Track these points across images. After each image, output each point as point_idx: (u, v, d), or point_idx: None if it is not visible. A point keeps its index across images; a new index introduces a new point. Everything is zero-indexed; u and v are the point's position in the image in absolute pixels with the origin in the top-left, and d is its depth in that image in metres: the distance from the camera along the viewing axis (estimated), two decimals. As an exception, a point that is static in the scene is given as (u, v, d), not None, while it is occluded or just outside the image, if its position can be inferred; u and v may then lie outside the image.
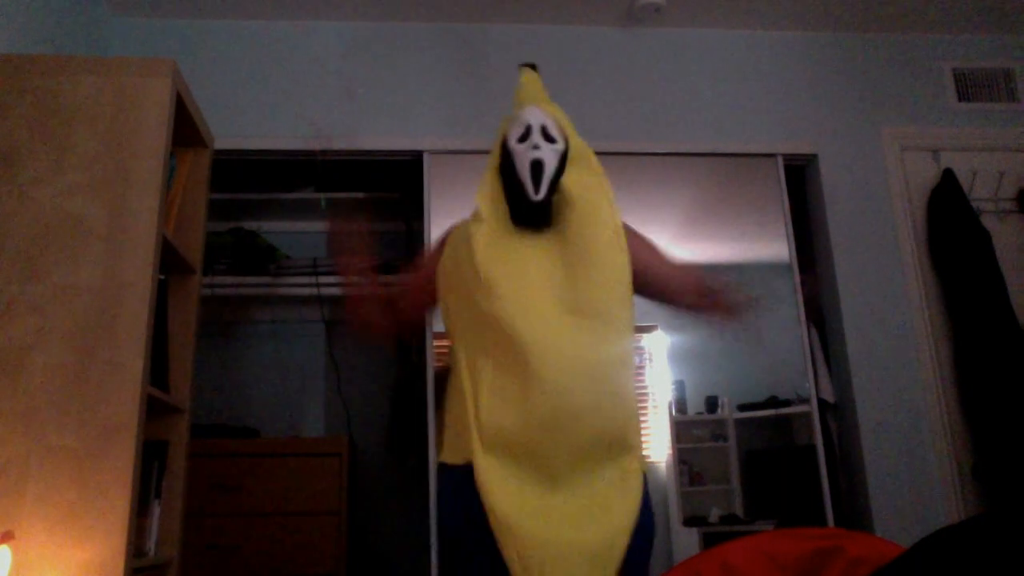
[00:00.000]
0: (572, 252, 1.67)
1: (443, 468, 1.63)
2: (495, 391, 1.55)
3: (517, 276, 1.62)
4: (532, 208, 1.69)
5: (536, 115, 1.74)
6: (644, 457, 1.65)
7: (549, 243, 1.69)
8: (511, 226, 1.70)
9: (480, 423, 1.53)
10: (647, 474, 1.64)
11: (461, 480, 1.54)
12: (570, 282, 1.62)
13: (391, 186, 3.34)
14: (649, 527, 1.62)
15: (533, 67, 1.93)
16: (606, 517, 1.52)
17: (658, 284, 1.83)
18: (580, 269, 1.64)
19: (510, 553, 1.44)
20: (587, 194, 1.73)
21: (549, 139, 1.72)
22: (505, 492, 1.50)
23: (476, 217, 1.74)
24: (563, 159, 1.74)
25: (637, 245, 1.79)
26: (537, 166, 1.68)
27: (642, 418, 3.05)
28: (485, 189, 1.77)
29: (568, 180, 1.73)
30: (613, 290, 1.66)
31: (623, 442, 1.60)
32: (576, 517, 1.51)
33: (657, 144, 3.18)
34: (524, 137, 1.72)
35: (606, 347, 1.62)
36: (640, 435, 1.67)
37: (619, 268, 1.68)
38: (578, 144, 1.81)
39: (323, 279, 3.16)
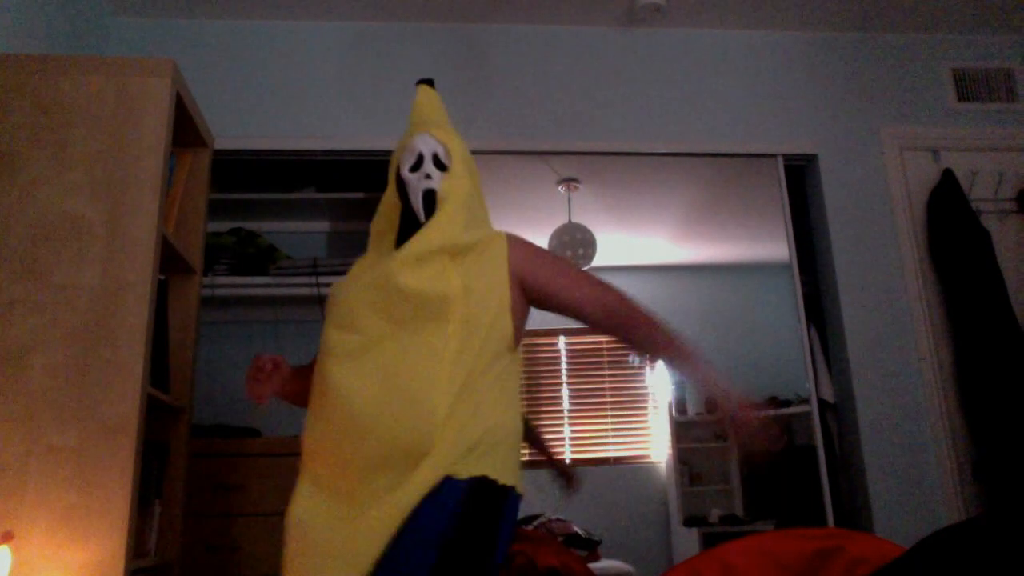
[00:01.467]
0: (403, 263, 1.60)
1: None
2: (312, 408, 1.56)
3: (352, 291, 1.62)
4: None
5: (427, 143, 1.70)
6: (467, 461, 1.47)
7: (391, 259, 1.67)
8: (388, 247, 1.72)
9: (304, 438, 1.56)
10: (502, 487, 1.49)
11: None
12: (396, 290, 1.54)
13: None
14: (438, 527, 1.42)
15: (430, 83, 1.86)
16: (381, 509, 1.44)
17: (564, 309, 1.66)
18: (405, 266, 1.56)
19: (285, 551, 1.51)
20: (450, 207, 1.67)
21: (440, 167, 1.69)
22: (302, 501, 1.52)
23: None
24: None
25: (524, 262, 1.63)
26: (429, 196, 1.65)
27: (642, 418, 3.06)
28: (378, 220, 1.77)
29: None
30: (451, 285, 1.54)
31: (424, 453, 1.46)
32: (357, 516, 1.45)
33: (657, 144, 3.18)
34: (416, 166, 1.69)
35: (414, 353, 1.50)
36: (467, 442, 1.48)
37: (420, 275, 1.56)
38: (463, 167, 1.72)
39: (323, 279, 3.16)
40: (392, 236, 1.73)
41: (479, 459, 1.48)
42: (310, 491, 1.52)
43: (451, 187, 1.67)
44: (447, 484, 1.45)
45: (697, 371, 1.65)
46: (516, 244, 1.66)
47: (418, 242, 1.58)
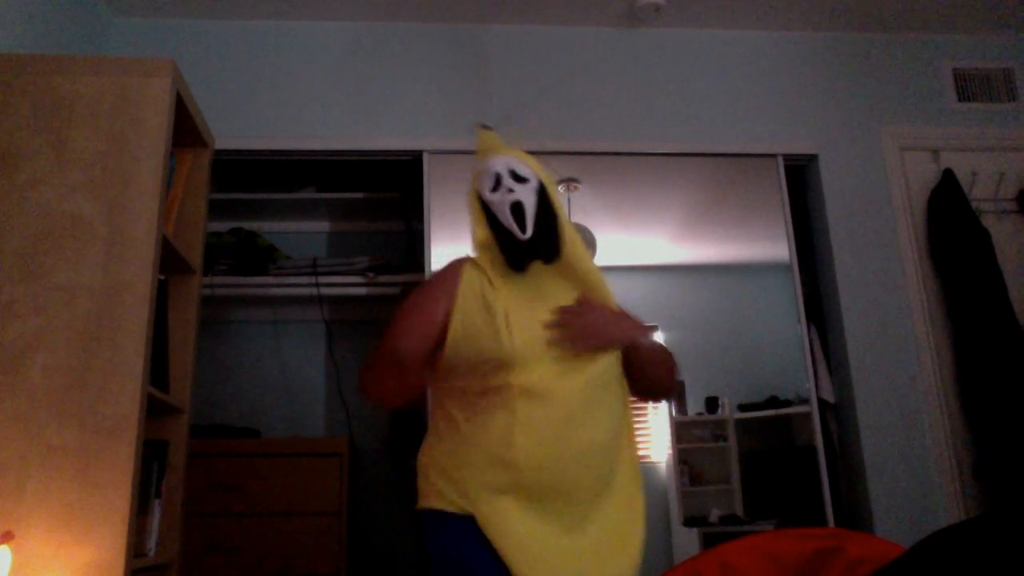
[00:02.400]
0: (576, 282, 1.73)
1: (441, 515, 1.62)
2: (529, 430, 1.58)
3: (531, 318, 1.66)
4: (524, 247, 1.69)
5: (500, 162, 1.73)
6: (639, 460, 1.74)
7: (554, 280, 1.73)
8: (511, 272, 1.72)
9: (518, 465, 1.56)
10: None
11: (464, 529, 1.58)
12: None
13: (391, 186, 3.35)
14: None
15: (488, 128, 1.92)
16: (625, 548, 1.61)
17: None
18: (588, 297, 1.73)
19: None
20: (577, 239, 1.78)
21: (520, 180, 1.71)
22: (526, 533, 1.55)
23: (479, 268, 1.75)
24: (542, 194, 1.73)
25: None
26: (517, 208, 1.68)
27: (642, 418, 3.06)
28: (479, 248, 1.77)
29: (565, 224, 1.76)
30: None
31: (633, 477, 1.70)
32: (598, 552, 1.58)
33: (657, 144, 3.18)
34: (496, 187, 1.72)
35: (607, 377, 1.69)
36: (640, 472, 1.74)
37: (609, 295, 1.77)
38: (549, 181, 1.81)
39: (323, 279, 3.16)
40: (499, 256, 1.73)
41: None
42: (521, 518, 1.57)
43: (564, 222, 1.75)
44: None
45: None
46: None
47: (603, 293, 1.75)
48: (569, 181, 3.17)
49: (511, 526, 1.55)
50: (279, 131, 3.08)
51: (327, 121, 3.11)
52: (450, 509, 1.61)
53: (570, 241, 1.74)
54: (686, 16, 3.27)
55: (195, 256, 2.26)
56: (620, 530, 1.63)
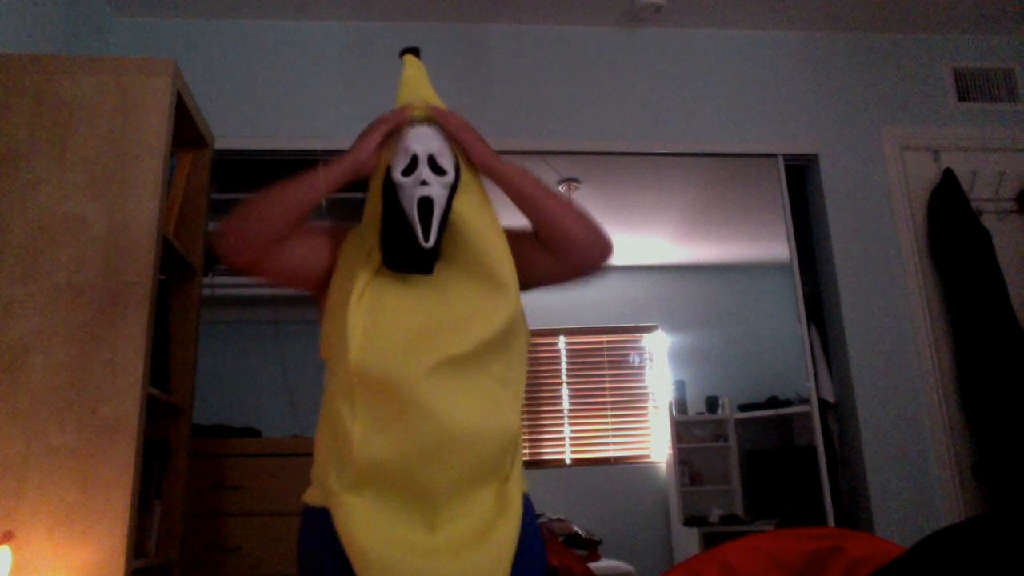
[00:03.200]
0: (466, 278, 1.52)
1: (306, 510, 1.48)
2: (370, 424, 1.41)
3: (398, 303, 1.49)
4: (419, 255, 1.48)
5: (423, 140, 1.52)
6: (522, 479, 1.50)
7: (445, 268, 1.53)
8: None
9: (353, 458, 1.40)
10: (528, 495, 1.51)
11: (323, 524, 1.42)
12: (462, 307, 1.49)
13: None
14: (539, 551, 1.50)
15: (416, 52, 1.67)
16: (487, 544, 1.40)
17: (534, 256, 1.60)
18: (474, 295, 1.50)
19: None
20: (475, 221, 1.54)
21: (438, 171, 1.50)
22: (375, 530, 1.38)
23: (359, 243, 1.56)
24: (453, 190, 1.51)
25: (514, 241, 1.58)
26: (426, 204, 1.46)
27: (642, 418, 3.06)
28: (369, 222, 1.57)
29: (458, 205, 1.54)
30: (496, 317, 1.48)
31: (500, 468, 1.46)
32: (454, 548, 1.39)
33: (657, 144, 3.18)
34: (409, 170, 1.50)
35: (488, 374, 1.48)
36: (519, 460, 1.52)
37: (515, 292, 1.52)
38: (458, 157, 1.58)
39: (323, 279, 3.15)
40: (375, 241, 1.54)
41: (522, 471, 1.52)
42: (371, 510, 1.39)
43: (473, 210, 1.52)
44: (526, 503, 1.48)
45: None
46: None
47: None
48: (569, 181, 3.17)
49: (356, 527, 1.37)
50: (279, 131, 3.08)
51: (327, 121, 3.11)
52: (313, 502, 1.46)
53: (467, 230, 1.51)
54: (686, 16, 3.27)
55: (195, 256, 2.26)
56: (484, 527, 1.42)
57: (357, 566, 1.33)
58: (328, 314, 1.59)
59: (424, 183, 1.48)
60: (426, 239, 1.46)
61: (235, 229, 1.54)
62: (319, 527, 1.42)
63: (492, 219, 1.56)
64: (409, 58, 1.68)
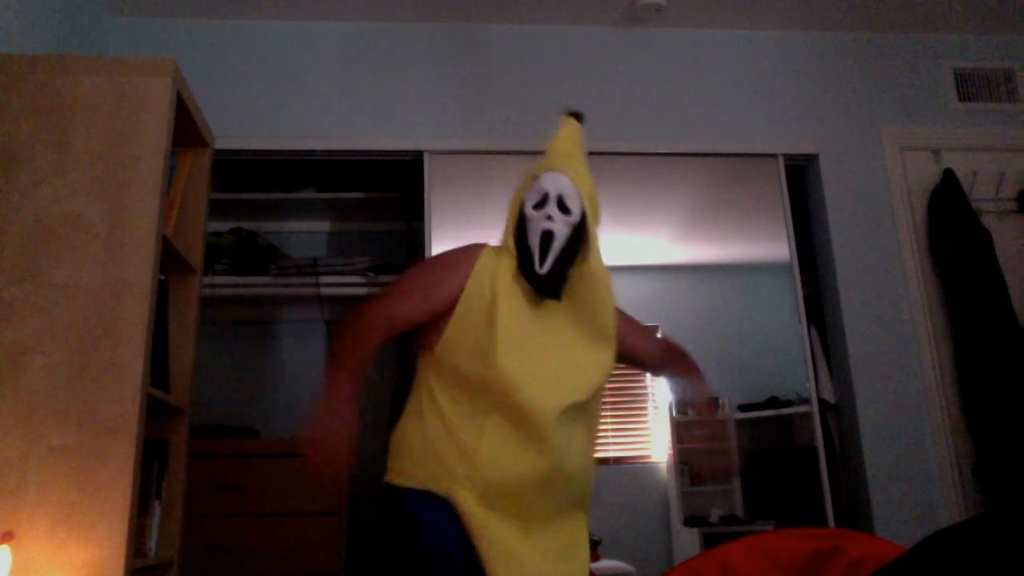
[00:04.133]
0: (584, 328, 1.73)
1: (427, 494, 1.65)
2: (497, 446, 1.61)
3: (535, 340, 1.67)
4: (537, 280, 1.69)
5: (556, 183, 1.72)
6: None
7: (564, 314, 1.73)
8: (529, 290, 1.72)
9: (478, 472, 1.60)
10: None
11: (442, 507, 1.61)
12: (579, 356, 1.71)
13: (391, 186, 3.34)
14: None
15: (579, 117, 1.91)
16: (578, 555, 1.67)
17: (639, 360, 1.96)
18: (589, 345, 1.73)
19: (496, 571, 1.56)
20: (600, 274, 1.78)
21: (564, 210, 1.70)
22: (497, 525, 1.59)
23: (498, 257, 1.75)
24: (577, 231, 1.72)
25: (625, 328, 1.90)
26: (547, 237, 1.67)
27: (642, 418, 3.06)
28: (504, 249, 1.77)
29: (592, 260, 1.76)
30: (605, 369, 1.75)
31: (584, 501, 1.75)
32: (559, 552, 1.63)
33: (657, 144, 3.18)
34: (540, 204, 1.71)
35: (590, 418, 1.74)
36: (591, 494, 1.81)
37: (611, 353, 1.79)
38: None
39: (323, 279, 3.16)
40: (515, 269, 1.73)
41: None
42: (486, 509, 1.60)
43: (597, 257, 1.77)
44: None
45: (697, 381, 1.97)
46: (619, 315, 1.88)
47: (606, 325, 1.76)
48: (569, 181, 3.17)
49: (483, 517, 1.58)
50: (279, 131, 3.08)
51: (327, 121, 3.11)
52: (434, 489, 1.63)
53: (592, 282, 1.74)
54: (686, 16, 3.27)
55: (195, 256, 2.26)
56: (573, 541, 1.69)
57: (486, 552, 1.55)
58: (460, 320, 1.71)
59: (549, 218, 1.69)
60: (541, 266, 1.67)
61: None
62: (437, 506, 1.61)
63: (607, 278, 1.80)
64: (568, 120, 1.92)
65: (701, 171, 3.21)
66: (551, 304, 1.72)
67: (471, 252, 1.76)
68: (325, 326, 3.38)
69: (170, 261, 2.13)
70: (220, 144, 2.94)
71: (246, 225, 3.36)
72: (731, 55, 3.35)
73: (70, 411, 1.71)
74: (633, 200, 3.19)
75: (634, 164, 3.18)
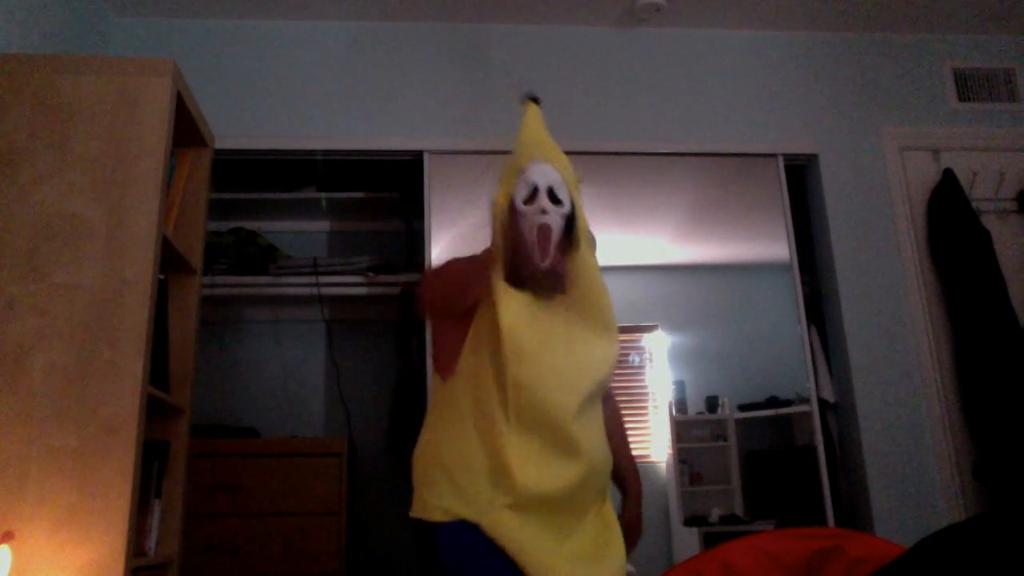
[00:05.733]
0: (587, 320, 1.72)
1: (447, 525, 1.62)
2: (528, 457, 1.59)
3: (543, 342, 1.65)
4: (539, 276, 1.67)
5: (544, 174, 1.67)
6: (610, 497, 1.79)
7: (566, 309, 1.71)
8: (527, 290, 1.69)
9: (515, 487, 1.57)
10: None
11: (476, 535, 1.58)
12: (586, 349, 1.70)
13: (391, 186, 3.34)
14: None
15: (536, 100, 1.87)
16: (611, 551, 1.66)
17: None
18: (593, 337, 1.71)
19: None
20: (594, 263, 1.77)
21: (556, 201, 1.66)
22: (532, 540, 1.58)
23: (495, 270, 1.70)
24: (569, 221, 1.69)
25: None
26: (545, 231, 1.62)
27: (642, 418, 3.06)
28: (496, 250, 1.70)
29: (583, 251, 1.73)
30: (611, 359, 1.74)
31: (605, 489, 1.74)
32: (592, 555, 1.63)
33: (657, 144, 3.18)
34: (531, 198, 1.66)
35: (598, 406, 1.74)
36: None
37: (615, 343, 1.77)
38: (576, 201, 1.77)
39: (323, 279, 3.16)
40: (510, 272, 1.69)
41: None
42: (525, 524, 1.59)
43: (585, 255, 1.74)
44: None
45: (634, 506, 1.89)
46: None
47: (611, 319, 1.75)
48: (569, 181, 3.17)
49: (518, 534, 1.56)
50: (279, 131, 3.08)
51: (327, 121, 3.11)
52: (467, 517, 1.60)
53: (590, 273, 1.71)
54: (686, 16, 3.27)
55: (195, 256, 2.26)
56: (604, 540, 1.68)
57: (531, 569, 1.53)
58: (473, 335, 1.70)
59: (543, 212, 1.64)
60: (543, 260, 1.62)
61: (429, 300, 1.70)
62: (472, 538, 1.58)
63: (599, 273, 1.78)
64: (531, 105, 1.90)
65: (701, 171, 3.21)
66: (552, 300, 1.70)
67: (490, 262, 1.75)
68: (325, 326, 3.38)
69: (170, 261, 2.13)
70: (220, 144, 2.94)
71: (246, 225, 3.36)
72: (731, 55, 3.35)
73: (70, 411, 1.71)
74: (633, 200, 3.19)
75: (634, 164, 3.18)
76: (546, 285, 1.69)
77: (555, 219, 1.64)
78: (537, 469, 1.58)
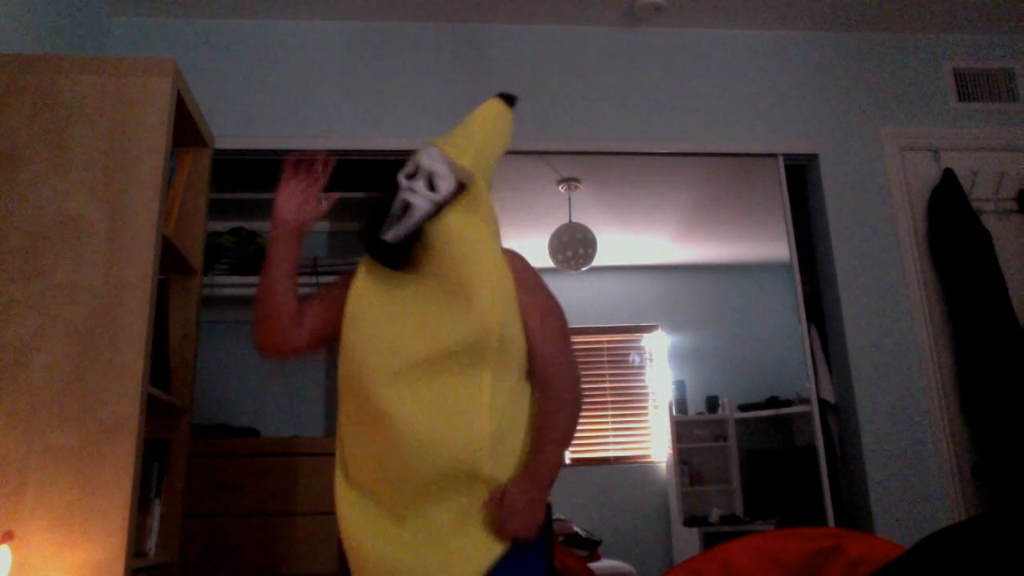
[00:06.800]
0: (440, 287, 1.61)
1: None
2: (347, 422, 1.59)
3: (376, 307, 1.63)
4: (378, 246, 1.63)
5: (431, 160, 1.68)
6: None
7: (423, 279, 1.64)
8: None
9: (343, 455, 1.59)
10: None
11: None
12: (432, 318, 1.58)
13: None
14: (524, 548, 1.54)
15: (511, 100, 1.93)
16: (464, 540, 1.50)
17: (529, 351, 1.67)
18: (442, 303, 1.59)
19: (354, 571, 1.52)
20: (462, 233, 1.63)
21: (432, 188, 1.66)
22: (358, 517, 1.55)
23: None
24: (438, 209, 1.65)
25: (526, 306, 1.65)
26: (406, 207, 1.64)
27: (642, 418, 3.06)
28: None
29: (450, 220, 1.64)
30: (465, 326, 1.55)
31: (475, 474, 1.51)
32: (417, 544, 1.51)
33: (657, 144, 3.19)
34: (411, 176, 1.69)
35: (453, 384, 1.55)
36: (504, 464, 1.55)
37: (490, 310, 1.56)
38: (478, 192, 1.70)
39: (323, 279, 3.16)
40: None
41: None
42: (358, 500, 1.56)
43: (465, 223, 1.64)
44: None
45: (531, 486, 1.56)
46: (519, 272, 1.66)
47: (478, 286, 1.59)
48: (569, 181, 3.18)
49: (347, 515, 1.56)
50: (279, 131, 3.08)
51: (327, 121, 3.11)
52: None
53: (449, 240, 1.60)
54: (686, 16, 3.27)
55: (195, 256, 2.26)
56: (439, 534, 1.51)
57: (348, 554, 1.52)
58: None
59: (412, 191, 1.65)
60: (386, 232, 1.62)
61: (256, 339, 1.69)
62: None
63: (487, 248, 1.64)
64: (491, 101, 1.91)
65: (701, 171, 3.21)
66: (411, 273, 1.65)
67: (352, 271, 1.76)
68: (325, 326, 3.38)
69: (170, 261, 2.13)
70: (220, 144, 2.94)
71: (246, 225, 3.36)
72: (731, 55, 3.35)
73: (70, 411, 1.71)
74: (633, 200, 3.19)
75: (634, 164, 3.18)
76: (389, 260, 1.64)
77: (422, 201, 1.64)
78: (351, 435, 1.58)
